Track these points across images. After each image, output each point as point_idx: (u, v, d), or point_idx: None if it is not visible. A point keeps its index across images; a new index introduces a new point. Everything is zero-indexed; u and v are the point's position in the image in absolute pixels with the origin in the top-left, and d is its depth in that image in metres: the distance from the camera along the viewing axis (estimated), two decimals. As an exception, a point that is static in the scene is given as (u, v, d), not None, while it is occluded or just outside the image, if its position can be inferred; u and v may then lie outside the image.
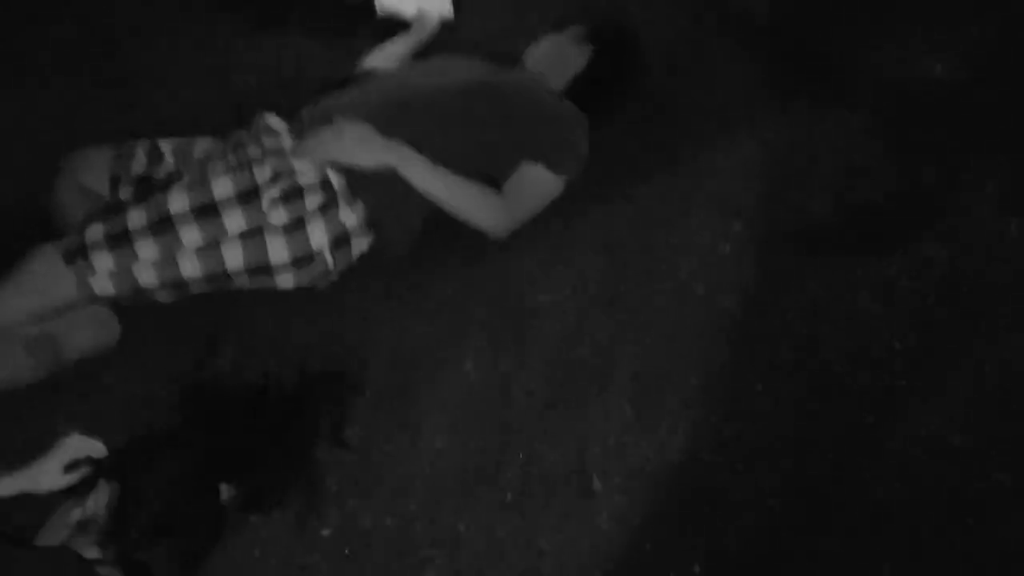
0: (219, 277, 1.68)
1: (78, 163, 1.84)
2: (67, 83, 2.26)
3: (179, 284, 1.67)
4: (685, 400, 1.66)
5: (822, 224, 2.03)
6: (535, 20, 2.49)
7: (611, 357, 1.73)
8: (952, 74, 2.42)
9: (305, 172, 1.73)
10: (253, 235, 1.67)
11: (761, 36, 2.53)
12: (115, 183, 1.82)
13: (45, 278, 1.62)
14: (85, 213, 1.76)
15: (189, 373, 1.65)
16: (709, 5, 2.59)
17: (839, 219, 2.05)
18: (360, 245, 1.80)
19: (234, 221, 1.65)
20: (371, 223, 1.79)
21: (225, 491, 1.41)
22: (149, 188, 1.80)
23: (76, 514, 1.35)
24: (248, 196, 1.67)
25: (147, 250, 1.63)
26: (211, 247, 1.65)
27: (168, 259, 1.64)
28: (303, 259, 1.70)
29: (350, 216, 1.76)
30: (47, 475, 1.45)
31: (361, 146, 1.78)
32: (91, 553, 1.34)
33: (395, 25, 2.33)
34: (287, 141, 1.80)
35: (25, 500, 1.41)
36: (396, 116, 1.84)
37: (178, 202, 1.65)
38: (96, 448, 1.50)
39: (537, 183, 1.91)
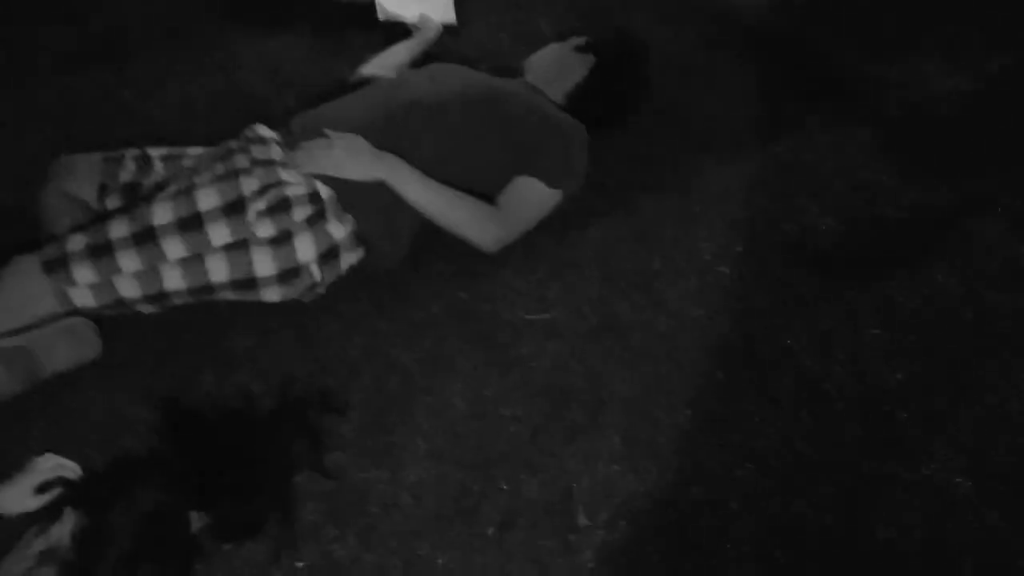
0: (203, 290, 1.60)
1: (66, 169, 1.76)
2: (66, 83, 2.18)
3: (162, 297, 1.59)
4: (677, 432, 1.56)
5: (828, 245, 1.92)
6: (539, 27, 2.40)
7: (602, 384, 1.63)
8: (966, 93, 2.31)
9: (293, 184, 1.65)
10: (238, 248, 1.59)
11: (771, 49, 2.43)
12: (103, 191, 1.74)
13: (23, 289, 1.55)
14: (70, 222, 1.69)
15: (169, 391, 1.56)
16: (718, 16, 2.49)
17: (845, 240, 1.94)
18: (349, 259, 1.71)
19: (218, 233, 1.57)
20: (361, 237, 1.71)
21: (195, 520, 1.33)
22: (136, 198, 1.73)
23: (39, 543, 1.27)
24: (234, 208, 1.59)
25: (129, 262, 1.55)
26: (195, 260, 1.57)
27: (151, 271, 1.56)
28: (289, 273, 1.62)
29: (339, 229, 1.67)
30: (17, 497, 1.37)
31: (351, 158, 1.69)
32: (53, 585, 1.26)
33: (396, 30, 2.24)
34: (276, 152, 1.71)
35: (-7, 522, 1.34)
36: (389, 127, 1.76)
37: (162, 213, 1.58)
38: (70, 469, 1.42)
39: (532, 197, 1.82)
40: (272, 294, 1.64)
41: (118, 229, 1.56)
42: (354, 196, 1.68)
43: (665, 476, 1.49)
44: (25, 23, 2.33)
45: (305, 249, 1.62)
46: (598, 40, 2.02)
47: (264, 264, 1.60)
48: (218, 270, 1.58)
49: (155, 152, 1.79)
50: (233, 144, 1.73)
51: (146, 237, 1.56)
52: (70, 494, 1.37)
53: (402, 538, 1.39)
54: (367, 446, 1.51)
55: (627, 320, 1.75)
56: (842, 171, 2.10)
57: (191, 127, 2.08)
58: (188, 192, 1.60)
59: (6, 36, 2.30)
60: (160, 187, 1.72)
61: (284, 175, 1.65)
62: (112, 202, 1.74)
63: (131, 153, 1.77)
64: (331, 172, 1.67)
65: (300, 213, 1.62)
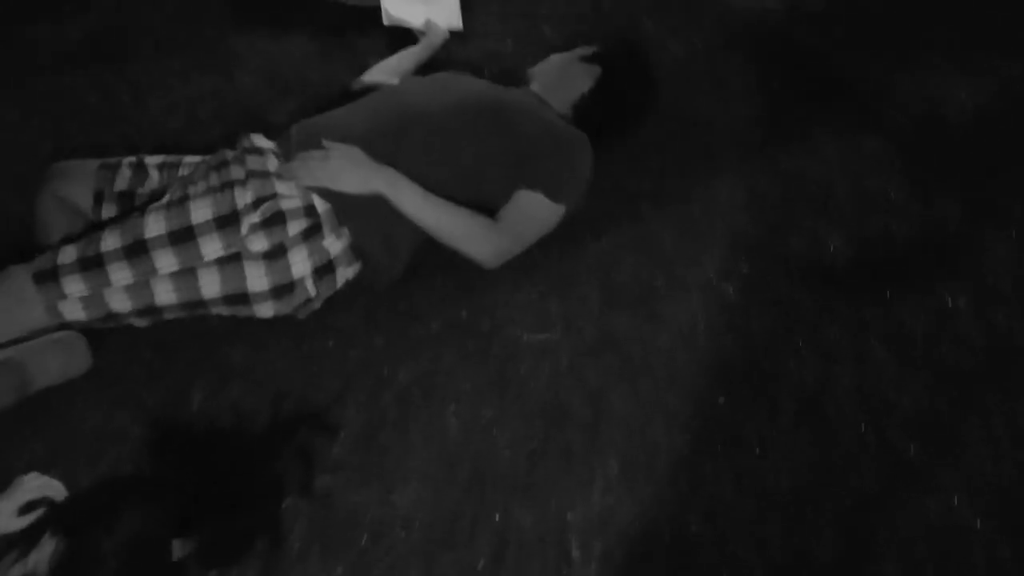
0: (195, 305, 1.53)
1: (61, 175, 1.69)
2: (64, 83, 2.10)
3: (153, 311, 1.52)
4: (676, 458, 1.48)
5: (834, 261, 1.83)
6: (545, 34, 2.30)
7: (601, 405, 1.55)
8: (978, 102, 2.20)
9: (289, 196, 1.57)
10: (231, 262, 1.51)
11: (779, 57, 2.33)
12: (98, 199, 1.67)
13: (12, 301, 1.48)
14: (64, 230, 1.63)
15: (159, 406, 1.49)
16: (726, 23, 2.39)
17: (853, 256, 1.85)
18: (345, 273, 1.63)
19: (211, 247, 1.50)
20: (358, 251, 1.63)
21: (178, 548, 1.26)
22: (130, 207, 1.66)
23: (16, 570, 1.20)
24: (227, 221, 1.51)
25: (120, 275, 1.48)
26: (186, 273, 1.50)
27: (142, 284, 1.49)
28: (283, 288, 1.54)
29: (335, 244, 1.59)
30: (1, 517, 1.30)
31: (348, 170, 1.61)
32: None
33: (402, 35, 2.15)
34: (273, 163, 1.63)
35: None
36: (389, 138, 1.67)
37: (154, 225, 1.50)
38: (55, 489, 1.35)
39: (534, 212, 1.72)
40: (265, 309, 1.56)
41: (109, 241, 1.49)
42: (351, 209, 1.60)
43: (662, 505, 1.42)
44: (24, 21, 2.25)
45: (300, 264, 1.54)
46: (604, 50, 1.93)
47: (257, 279, 1.52)
48: (210, 284, 1.51)
49: (152, 160, 1.72)
50: (229, 154, 1.65)
51: (137, 250, 1.48)
52: (53, 516, 1.30)
53: (389, 569, 1.31)
54: (358, 468, 1.43)
55: (627, 338, 1.66)
56: (850, 183, 2.01)
57: (190, 130, 2.01)
58: (181, 204, 1.53)
59: (4, 34, 2.22)
60: (155, 196, 1.65)
61: (280, 187, 1.57)
62: (107, 210, 1.67)
63: (127, 161, 1.71)
64: (327, 184, 1.59)
65: (295, 227, 1.54)
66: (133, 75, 2.13)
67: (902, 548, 1.39)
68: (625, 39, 2.04)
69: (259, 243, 1.51)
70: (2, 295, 1.48)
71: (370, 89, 1.95)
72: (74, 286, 1.47)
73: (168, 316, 1.54)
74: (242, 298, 1.53)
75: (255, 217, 1.52)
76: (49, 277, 1.47)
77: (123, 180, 1.68)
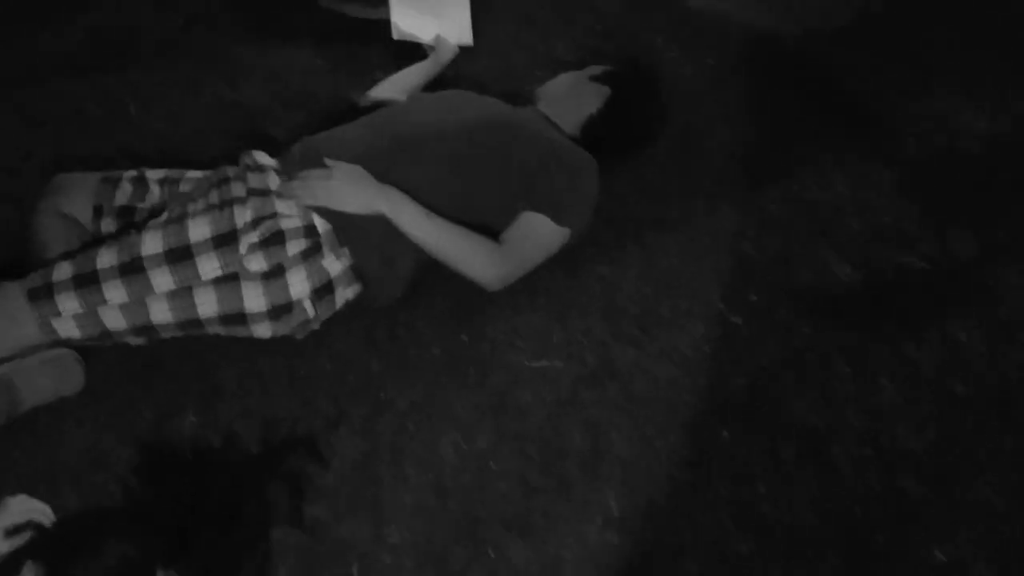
0: (191, 324, 1.48)
1: (61, 188, 1.65)
2: (67, 89, 2.06)
3: (148, 329, 1.47)
4: (676, 495, 1.42)
5: (844, 294, 1.76)
6: (556, 51, 2.24)
7: (600, 438, 1.49)
8: (991, 133, 2.13)
9: (289, 215, 1.52)
10: (228, 282, 1.46)
11: (795, 83, 2.25)
12: (98, 213, 1.63)
13: (5, 318, 1.43)
14: (62, 245, 1.58)
15: (150, 428, 1.44)
16: (742, 48, 2.32)
17: (862, 289, 1.77)
18: (345, 294, 1.58)
19: (208, 266, 1.45)
20: (358, 271, 1.57)
21: (161, 578, 1.21)
22: (130, 223, 1.61)
23: (-5, 598, 1.15)
24: (225, 240, 1.46)
25: (115, 293, 1.43)
26: (183, 293, 1.45)
27: (137, 303, 1.44)
28: (281, 308, 1.49)
29: (335, 264, 1.53)
30: (-15, 539, 1.26)
31: (350, 190, 1.55)
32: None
33: (411, 49, 2.09)
34: (274, 181, 1.58)
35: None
36: (393, 157, 1.62)
37: (151, 243, 1.45)
38: (42, 513, 1.30)
39: (539, 235, 1.66)
40: (263, 330, 1.51)
41: (106, 258, 1.44)
42: (352, 229, 1.55)
43: (660, 546, 1.35)
44: (27, 25, 2.20)
45: (298, 284, 1.49)
46: (615, 70, 1.87)
47: (255, 299, 1.47)
48: (207, 304, 1.46)
49: (153, 175, 1.67)
50: (230, 171, 1.60)
51: (133, 268, 1.44)
52: (39, 540, 1.25)
53: (378, 607, 1.26)
54: (350, 498, 1.37)
55: (630, 368, 1.60)
56: (860, 213, 1.94)
57: (193, 142, 1.96)
58: (179, 221, 1.48)
59: (6, 38, 2.17)
60: (155, 212, 1.60)
61: (280, 206, 1.52)
62: (106, 224, 1.63)
63: (128, 175, 1.66)
64: (328, 204, 1.54)
65: (294, 247, 1.49)
66: (137, 84, 2.09)
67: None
68: (636, 59, 1.98)
69: (257, 263, 1.46)
70: (-4, 312, 1.44)
71: (377, 105, 1.90)
72: (68, 304, 1.42)
73: (164, 335, 1.49)
74: (239, 318, 1.48)
75: (254, 236, 1.47)
76: (43, 294, 1.42)
77: (123, 194, 1.64)
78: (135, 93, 2.07)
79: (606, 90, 1.83)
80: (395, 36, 2.11)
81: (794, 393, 1.57)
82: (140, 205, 1.64)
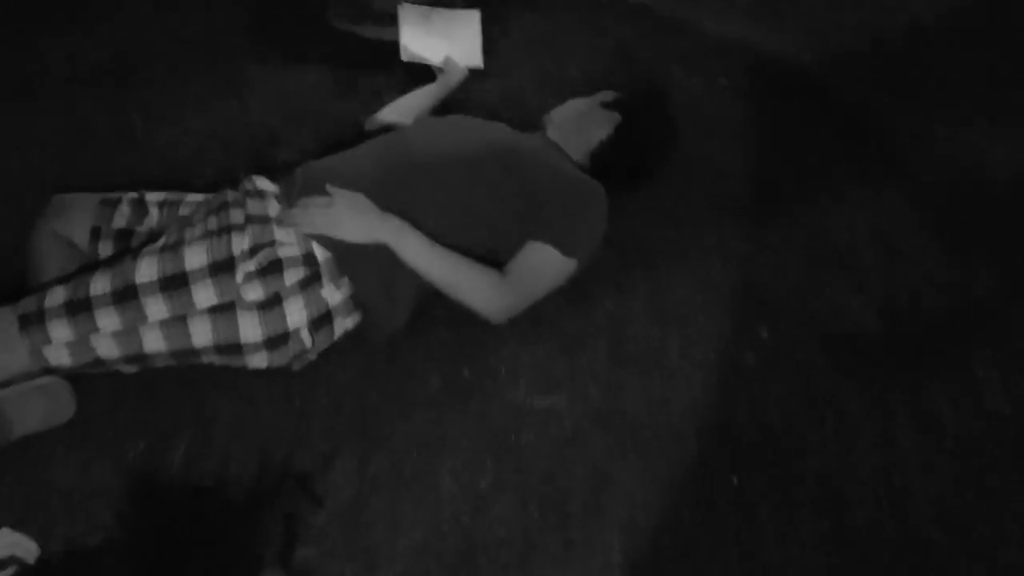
0: (185, 353, 1.42)
1: (60, 209, 1.60)
2: (74, 104, 2.02)
3: (142, 358, 1.41)
4: (682, 544, 1.34)
5: (861, 331, 1.67)
6: (567, 74, 2.18)
7: (604, 481, 1.41)
8: (1019, 165, 2.03)
9: (288, 244, 1.46)
10: (224, 311, 1.40)
11: (811, 109, 2.17)
12: (96, 235, 1.57)
13: (-3, 344, 1.37)
14: (57, 268, 1.53)
15: (141, 459, 1.38)
16: (758, 73, 2.24)
17: (880, 324, 1.69)
18: (344, 324, 1.52)
19: (204, 295, 1.39)
20: (358, 301, 1.51)
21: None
22: (127, 247, 1.56)
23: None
24: (221, 268, 1.41)
25: (108, 320, 1.38)
26: (177, 321, 1.39)
27: (130, 331, 1.39)
28: (277, 339, 1.43)
29: (334, 294, 1.47)
30: (-33, 575, 1.20)
31: (351, 218, 1.49)
32: None
33: (420, 69, 2.04)
34: (274, 207, 1.52)
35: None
36: (397, 184, 1.56)
37: (146, 270, 1.40)
38: (26, 549, 1.24)
39: (544, 265, 1.59)
40: (258, 360, 1.45)
41: (99, 285, 1.39)
42: (353, 258, 1.49)
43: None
44: (39, 39, 2.17)
45: (296, 314, 1.43)
46: (625, 97, 1.80)
47: (251, 329, 1.41)
48: (202, 333, 1.40)
49: (153, 197, 1.62)
50: (230, 196, 1.55)
51: (127, 295, 1.38)
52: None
53: (368, 657, 1.19)
54: (342, 539, 1.31)
55: (636, 407, 1.52)
56: (879, 244, 1.85)
57: (198, 161, 1.91)
58: (176, 248, 1.42)
59: (14, 51, 2.14)
60: (153, 236, 1.55)
61: (279, 234, 1.46)
62: (104, 247, 1.57)
63: (128, 197, 1.61)
64: (329, 232, 1.48)
65: (292, 276, 1.43)
66: (145, 100, 2.05)
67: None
68: (648, 85, 1.92)
69: (254, 292, 1.40)
70: (-16, 337, 1.39)
71: (383, 129, 1.85)
72: (60, 331, 1.37)
73: (158, 364, 1.44)
74: (234, 348, 1.42)
75: (251, 265, 1.41)
76: (35, 320, 1.37)
77: (122, 217, 1.59)
78: (143, 110, 2.03)
79: (616, 117, 1.76)
80: (404, 58, 2.06)
81: (807, 434, 1.49)
82: (138, 228, 1.59)
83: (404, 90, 1.98)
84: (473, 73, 2.06)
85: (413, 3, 2.05)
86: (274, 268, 1.43)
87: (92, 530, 1.30)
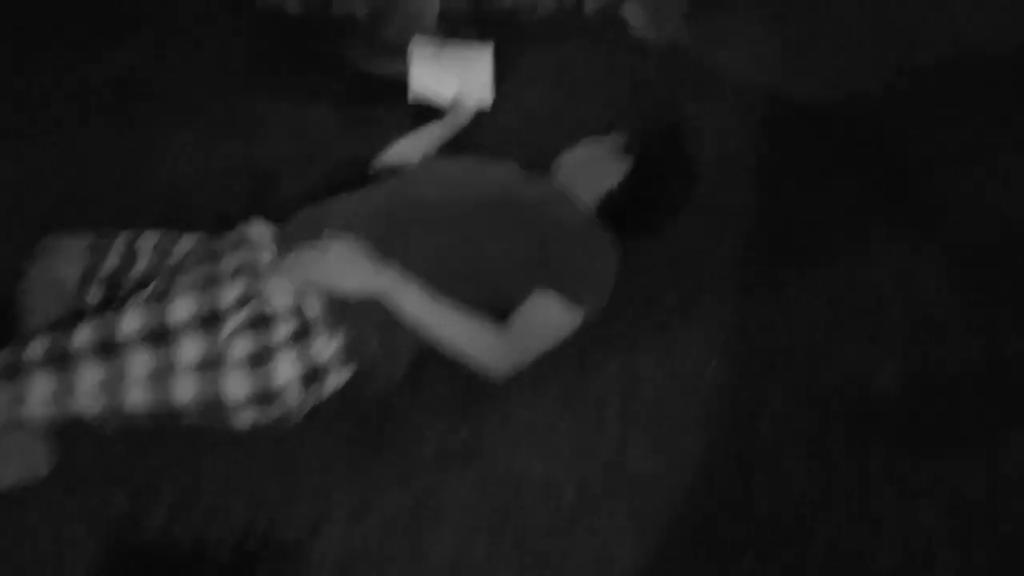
0: (166, 411, 1.33)
1: (51, 251, 1.52)
2: (79, 137, 1.95)
3: (121, 415, 1.33)
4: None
5: (884, 402, 1.55)
6: (583, 114, 2.08)
7: (606, 556, 1.31)
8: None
9: (278, 295, 1.37)
10: (209, 367, 1.31)
11: (836, 154, 2.06)
12: (86, 279, 1.49)
13: (-30, 397, 1.30)
14: (44, 316, 1.45)
15: (119, 521, 1.30)
16: (779, 115, 2.13)
17: (904, 396, 1.57)
18: (335, 380, 1.42)
19: (189, 350, 1.31)
20: (352, 354, 1.42)
21: None
22: (114, 295, 1.48)
23: None
24: (208, 321, 1.32)
25: (89, 375, 1.29)
26: (160, 377, 1.31)
27: (112, 387, 1.30)
28: (265, 396, 1.34)
29: (326, 348, 1.39)
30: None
31: (346, 269, 1.41)
32: None
33: (428, 111, 1.95)
34: (266, 255, 1.44)
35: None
36: (396, 231, 1.47)
37: (130, 322, 1.32)
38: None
39: (548, 317, 1.49)
40: (244, 419, 1.36)
41: (81, 337, 1.31)
42: (346, 310, 1.40)
43: None
44: (46, 67, 2.11)
45: (284, 370, 1.34)
46: (638, 141, 1.70)
47: (236, 386, 1.32)
48: (185, 390, 1.31)
49: (146, 239, 1.54)
50: (221, 244, 1.47)
51: (109, 349, 1.30)
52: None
53: None
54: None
55: (644, 475, 1.42)
56: (906, 305, 1.73)
57: (200, 199, 1.83)
58: (161, 299, 1.34)
59: (15, 78, 2.08)
60: (143, 282, 1.46)
61: (269, 285, 1.38)
62: (93, 293, 1.49)
63: (120, 240, 1.53)
64: (323, 283, 1.40)
65: (283, 330, 1.35)
66: (148, 134, 1.97)
67: None
68: (663, 127, 1.82)
69: (242, 347, 1.32)
70: (-41, 389, 1.32)
71: (387, 171, 1.77)
72: (39, 385, 1.28)
73: (138, 423, 1.35)
74: (218, 406, 1.33)
75: (239, 318, 1.33)
76: (12, 373, 1.29)
77: (111, 263, 1.51)
78: (146, 144, 1.95)
79: (628, 162, 1.67)
80: (411, 100, 1.98)
81: (823, 514, 1.38)
82: (129, 274, 1.51)
83: (412, 126, 1.90)
84: (480, 111, 1.98)
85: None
86: (263, 321, 1.34)
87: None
